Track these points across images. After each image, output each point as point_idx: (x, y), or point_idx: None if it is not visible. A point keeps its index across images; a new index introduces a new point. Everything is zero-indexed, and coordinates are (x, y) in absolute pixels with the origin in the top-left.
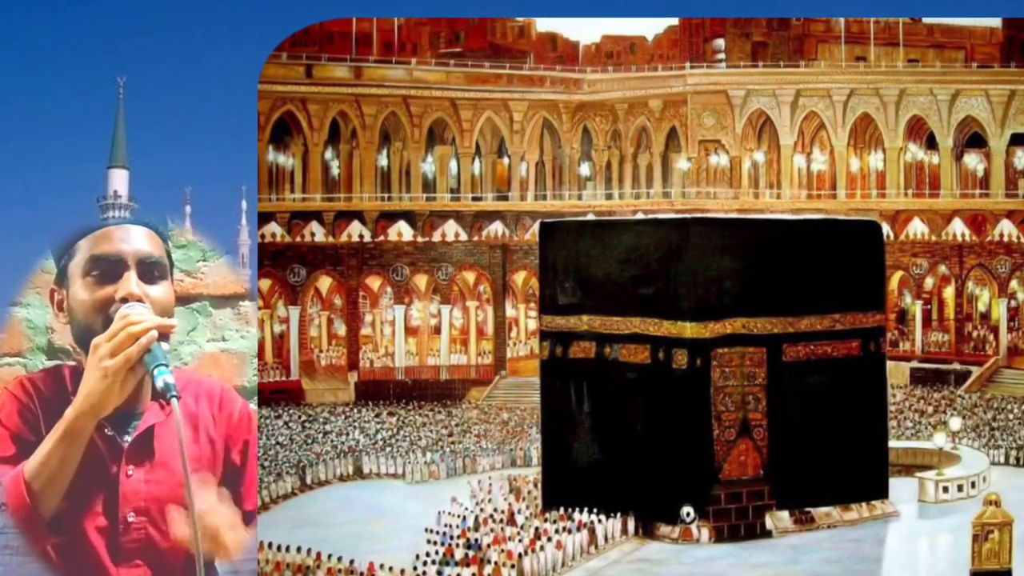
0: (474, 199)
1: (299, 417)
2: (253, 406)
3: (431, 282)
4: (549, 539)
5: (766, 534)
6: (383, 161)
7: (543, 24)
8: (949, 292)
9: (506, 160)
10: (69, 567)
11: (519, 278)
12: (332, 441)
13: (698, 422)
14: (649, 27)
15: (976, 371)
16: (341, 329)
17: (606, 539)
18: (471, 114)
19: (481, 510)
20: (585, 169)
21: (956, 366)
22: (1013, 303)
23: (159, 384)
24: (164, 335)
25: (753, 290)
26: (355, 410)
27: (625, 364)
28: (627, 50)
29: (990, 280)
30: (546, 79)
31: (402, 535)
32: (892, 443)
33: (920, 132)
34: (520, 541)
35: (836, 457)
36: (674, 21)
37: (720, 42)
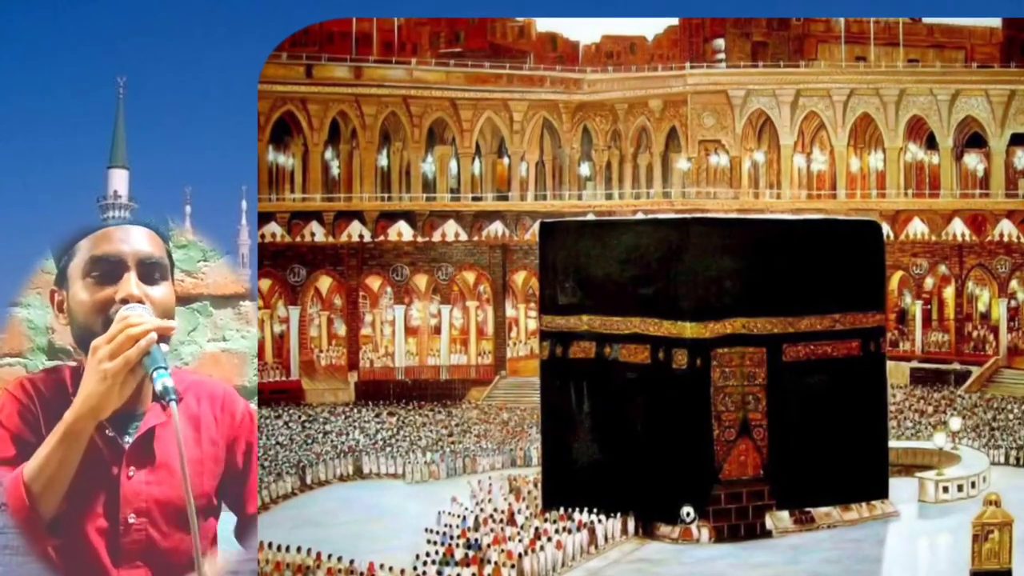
0: (474, 199)
1: (299, 417)
2: (253, 406)
3: (431, 282)
4: (549, 539)
5: (766, 534)
6: (383, 161)
7: (543, 24)
8: (949, 292)
9: (506, 160)
10: (69, 568)
11: (519, 278)
12: (332, 441)
13: (698, 422)
14: (649, 27)
15: (976, 371)
16: (341, 329)
17: (606, 539)
18: (471, 114)
19: (481, 510)
20: (585, 169)
21: (956, 366)
22: (1013, 303)
23: (158, 387)
24: (164, 337)
25: (753, 290)
26: (355, 410)
27: (625, 364)
28: (627, 50)
29: (990, 280)
30: (546, 79)
31: (402, 535)
32: (892, 443)
33: (920, 132)
34: (520, 541)
35: (836, 457)
36: (674, 21)
37: (720, 42)
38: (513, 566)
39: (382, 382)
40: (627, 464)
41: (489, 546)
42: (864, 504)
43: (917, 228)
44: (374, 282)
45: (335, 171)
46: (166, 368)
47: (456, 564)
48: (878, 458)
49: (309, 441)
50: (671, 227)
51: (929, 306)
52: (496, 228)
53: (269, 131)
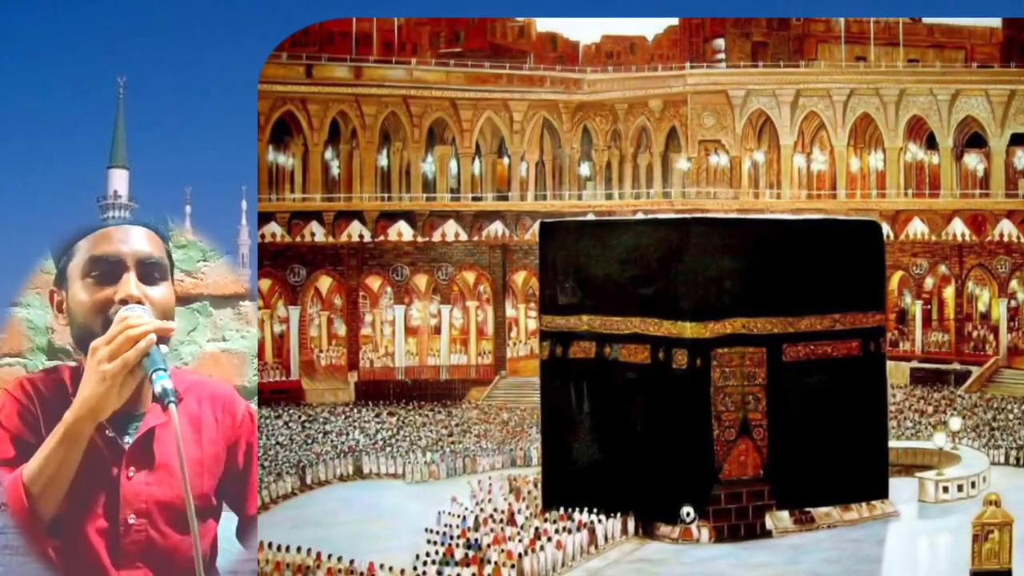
0: (474, 199)
1: (299, 417)
2: (253, 406)
3: (431, 282)
4: (549, 539)
5: (766, 534)
6: (383, 161)
7: (543, 24)
8: (949, 292)
9: (506, 160)
10: (70, 569)
11: (519, 278)
12: (332, 441)
13: (698, 422)
14: (649, 27)
15: (976, 371)
16: (341, 329)
17: (606, 539)
18: (471, 114)
19: (481, 510)
20: (585, 169)
21: (956, 366)
22: (1013, 303)
23: (157, 389)
24: (163, 338)
25: (753, 290)
26: (355, 410)
27: (625, 364)
28: (627, 50)
29: (990, 280)
30: (546, 79)
31: (402, 535)
32: (892, 443)
33: (920, 132)
34: (520, 541)
35: (836, 457)
36: (674, 21)
37: (720, 42)
38: (513, 566)
39: (382, 382)
40: (627, 464)
41: (489, 546)
42: (864, 504)
43: (917, 228)
44: (374, 282)
45: (335, 171)
46: (165, 370)
47: (456, 564)
48: (878, 458)
49: (309, 441)
50: (671, 227)
51: (929, 306)
52: (496, 228)
53: (269, 131)
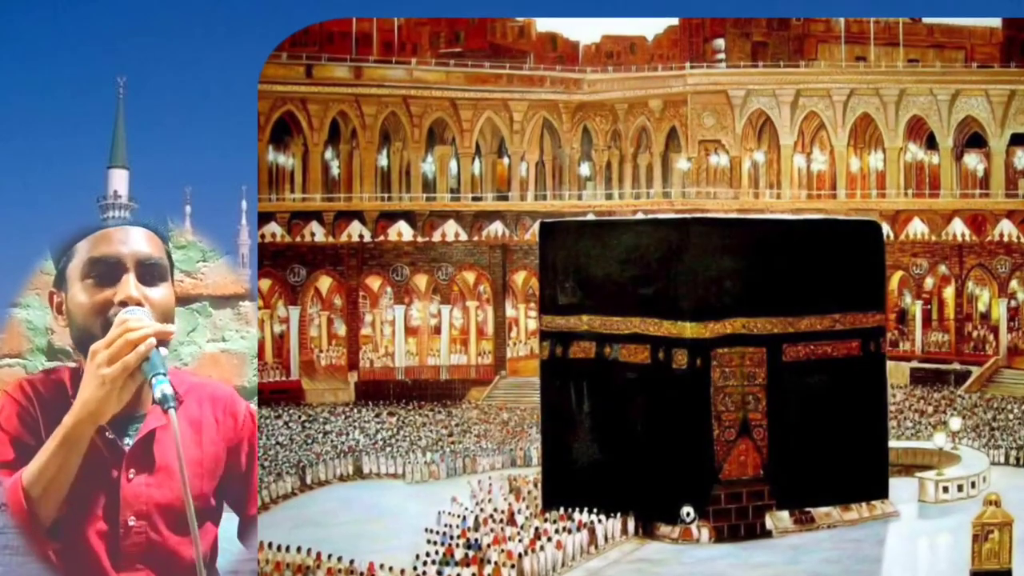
0: (474, 199)
1: (299, 417)
2: (253, 407)
3: (431, 282)
4: (549, 539)
5: (766, 534)
6: (383, 161)
7: (543, 24)
8: (949, 292)
9: (506, 160)
10: (70, 571)
11: (519, 278)
12: (332, 441)
13: (698, 422)
14: (649, 27)
15: (976, 371)
16: (341, 329)
17: (606, 539)
18: (471, 114)
19: (481, 510)
20: (585, 169)
21: (956, 366)
22: (1013, 303)
23: (157, 394)
24: (163, 341)
25: (753, 290)
26: (355, 410)
27: (625, 364)
28: (627, 50)
29: (990, 280)
30: (546, 79)
31: (402, 535)
32: (892, 443)
33: (920, 132)
34: (520, 541)
35: (836, 457)
36: (674, 21)
37: (720, 42)
38: (513, 566)
39: (382, 382)
40: (627, 464)
41: (489, 546)
42: (864, 504)
43: (917, 228)
44: (374, 282)
45: (335, 171)
46: (165, 374)
47: (456, 564)
48: (878, 458)
49: (309, 441)
50: (671, 227)
51: (929, 306)
52: (496, 228)
53: (269, 131)
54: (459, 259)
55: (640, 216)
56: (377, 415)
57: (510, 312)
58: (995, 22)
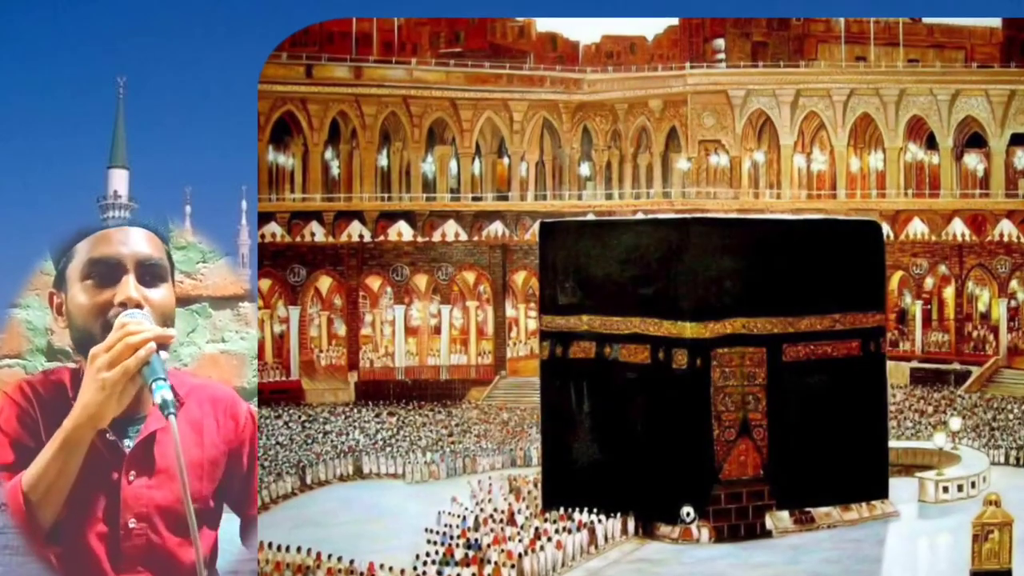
0: (474, 199)
1: (299, 417)
2: (253, 407)
3: (431, 282)
4: (549, 539)
5: (766, 534)
6: (383, 161)
7: (543, 24)
8: (949, 292)
9: (506, 160)
10: (70, 573)
11: (519, 278)
12: (332, 441)
13: (698, 422)
14: (649, 27)
15: (976, 371)
16: (341, 329)
17: (606, 539)
18: (471, 114)
19: (481, 510)
20: (585, 169)
21: (956, 366)
22: (1013, 303)
23: (157, 400)
24: (163, 345)
25: (753, 290)
26: (355, 410)
27: (625, 364)
28: (627, 50)
29: (990, 280)
30: (546, 79)
31: (402, 535)
32: (892, 443)
33: (920, 132)
34: (520, 541)
35: (836, 457)
36: (674, 21)
37: (720, 42)
38: (513, 566)
39: (382, 382)
40: (627, 464)
41: (489, 546)
42: (864, 504)
43: (917, 228)
44: (374, 282)
45: (335, 171)
46: (165, 379)
47: (456, 564)
48: (878, 458)
49: (309, 441)
50: (671, 227)
51: (929, 306)
52: (496, 228)
53: (269, 131)
54: (459, 259)
55: (640, 216)
56: (377, 415)
57: (510, 312)
58: (995, 22)
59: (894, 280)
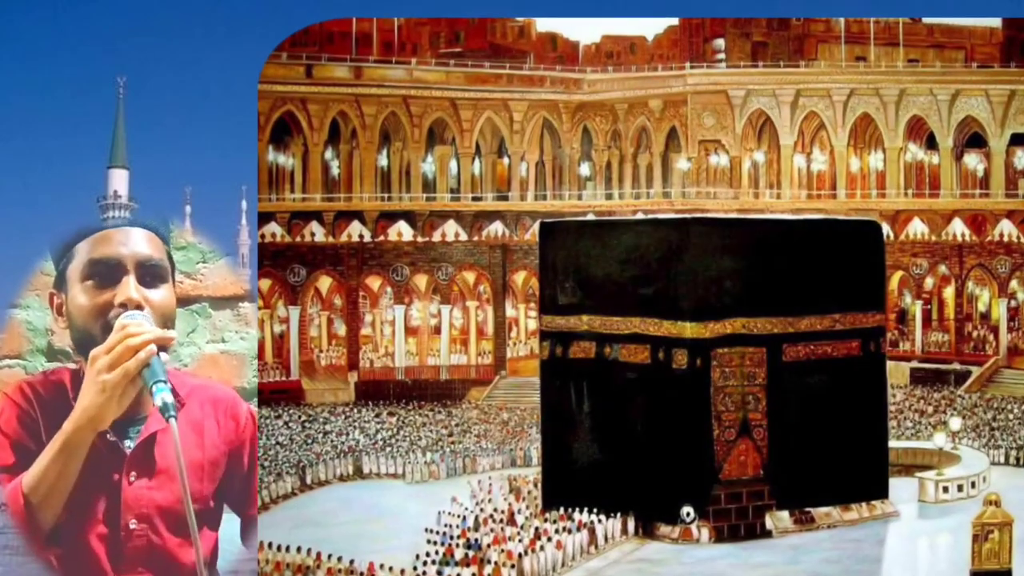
0: (474, 199)
1: (299, 417)
2: (253, 408)
3: (431, 282)
4: (549, 539)
5: (766, 534)
6: (383, 161)
7: (543, 24)
8: (949, 292)
9: (506, 160)
10: (71, 575)
11: (519, 278)
12: (332, 441)
13: (698, 422)
14: (649, 27)
15: (976, 371)
16: (341, 329)
17: (606, 539)
18: (471, 114)
19: (481, 510)
20: (585, 169)
21: (956, 366)
22: (1013, 303)
23: (158, 403)
24: (163, 347)
25: (753, 290)
26: (355, 410)
27: (625, 364)
28: (627, 50)
29: (990, 280)
30: (546, 79)
31: (402, 535)
32: (892, 443)
33: (920, 132)
34: (520, 541)
35: (836, 457)
36: (674, 21)
37: (720, 42)
38: (513, 566)
39: (382, 382)
40: (627, 464)
41: (489, 546)
42: (864, 504)
43: (917, 228)
44: (374, 282)
45: (335, 171)
46: (166, 382)
47: (456, 564)
48: (878, 458)
49: (309, 441)
50: (671, 227)
51: (929, 306)
52: (496, 228)
53: (269, 131)
54: (459, 259)
55: (640, 216)
56: (377, 415)
57: (510, 312)
58: (995, 22)
59: (894, 280)
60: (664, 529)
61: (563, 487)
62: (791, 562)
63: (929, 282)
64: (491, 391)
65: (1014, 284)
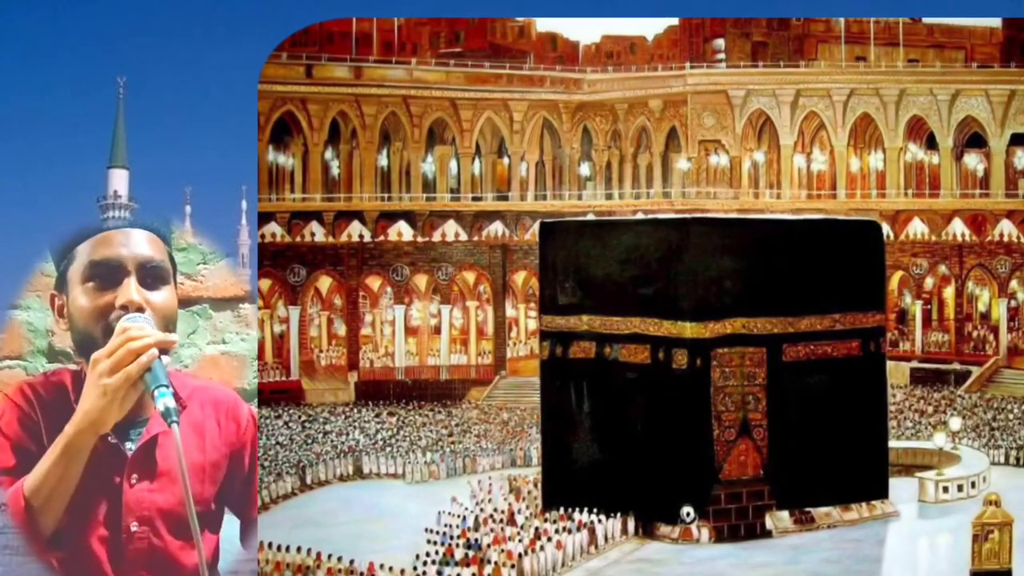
0: (474, 199)
1: (299, 417)
2: (253, 408)
3: (431, 282)
4: (549, 539)
5: (766, 534)
6: (383, 161)
7: (543, 24)
8: (949, 292)
9: (506, 160)
10: None
11: (519, 278)
12: (332, 441)
13: (698, 422)
14: (649, 27)
15: (976, 371)
16: (341, 329)
17: (606, 539)
18: (471, 114)
19: (481, 510)
20: (585, 169)
21: (956, 366)
22: (1013, 303)
23: (159, 407)
24: (165, 350)
25: (753, 290)
26: (355, 410)
27: (625, 364)
28: (627, 50)
29: (990, 280)
30: (546, 79)
31: (402, 535)
32: (892, 443)
33: (920, 132)
34: (520, 541)
35: (836, 457)
36: (674, 21)
37: (720, 42)
38: (513, 566)
39: (382, 382)
40: (627, 464)
41: (489, 546)
42: (864, 504)
43: (917, 228)
44: (374, 282)
45: (335, 171)
46: (168, 386)
47: (456, 564)
48: (878, 458)
49: (309, 441)
50: (671, 227)
51: (929, 306)
52: (496, 228)
53: (269, 131)
54: (459, 259)
55: (640, 216)
56: (377, 415)
57: (510, 312)
58: (995, 22)
59: (894, 280)
60: (664, 529)
61: (563, 487)
62: (791, 562)
63: (929, 282)
64: (491, 391)
65: (1014, 284)
